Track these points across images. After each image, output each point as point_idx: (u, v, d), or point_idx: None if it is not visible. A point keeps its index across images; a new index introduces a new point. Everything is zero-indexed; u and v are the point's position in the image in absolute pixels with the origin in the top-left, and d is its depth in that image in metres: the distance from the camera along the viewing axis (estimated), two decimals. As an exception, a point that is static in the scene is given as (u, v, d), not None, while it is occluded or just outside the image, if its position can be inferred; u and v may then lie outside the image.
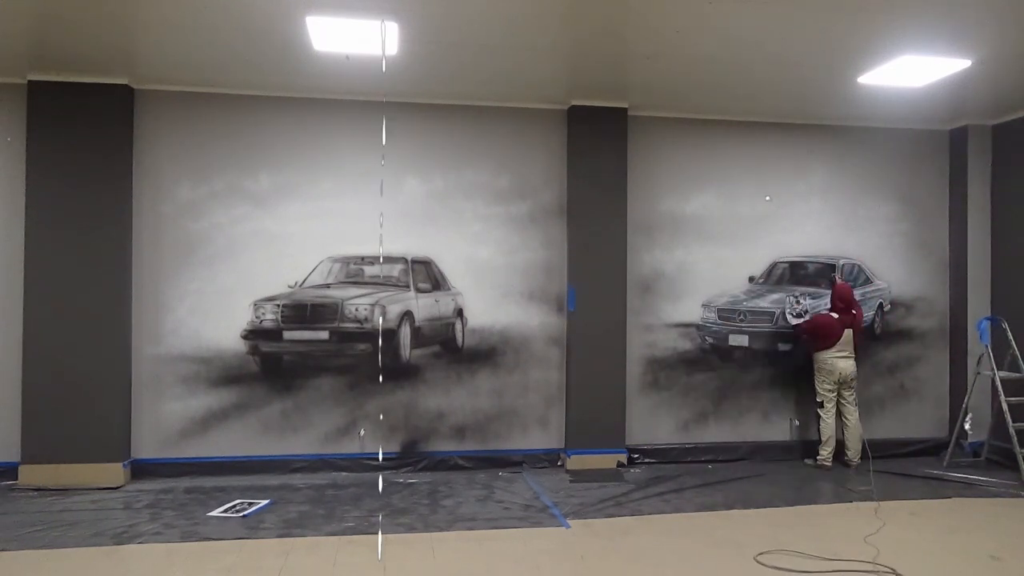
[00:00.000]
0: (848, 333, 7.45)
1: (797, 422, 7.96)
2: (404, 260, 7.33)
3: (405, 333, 7.32)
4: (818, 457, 7.57)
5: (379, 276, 7.31)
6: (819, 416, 7.57)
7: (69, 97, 6.60)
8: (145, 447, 6.92)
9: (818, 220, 8.07)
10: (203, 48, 5.99)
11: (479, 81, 6.82)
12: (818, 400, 7.55)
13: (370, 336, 7.19)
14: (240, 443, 7.05)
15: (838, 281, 7.82)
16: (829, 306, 7.71)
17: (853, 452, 7.52)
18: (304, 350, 7.14)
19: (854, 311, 7.52)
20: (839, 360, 7.45)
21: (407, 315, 7.31)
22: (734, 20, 5.32)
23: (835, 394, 7.52)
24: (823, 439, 7.55)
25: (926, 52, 5.85)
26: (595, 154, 7.43)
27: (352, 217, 7.21)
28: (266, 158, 7.10)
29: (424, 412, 7.33)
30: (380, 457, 7.01)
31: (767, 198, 7.91)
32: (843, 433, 7.58)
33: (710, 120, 7.82)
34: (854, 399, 7.56)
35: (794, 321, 7.87)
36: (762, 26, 5.43)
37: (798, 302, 7.78)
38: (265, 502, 6.13)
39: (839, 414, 7.58)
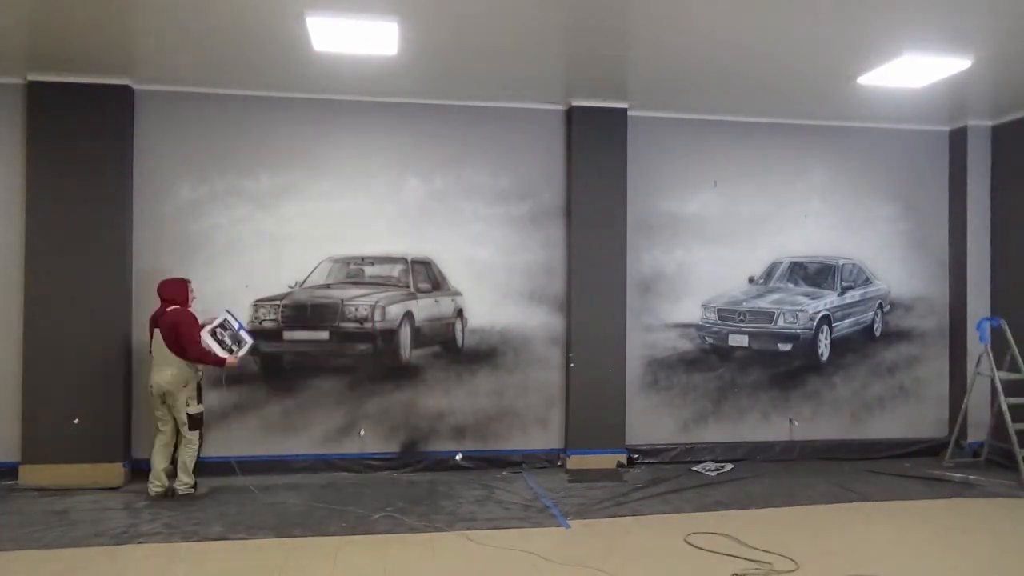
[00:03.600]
0: (157, 335, 6.19)
1: (796, 422, 7.96)
2: (404, 260, 7.33)
3: (405, 333, 7.32)
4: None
5: (379, 276, 7.31)
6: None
7: (69, 97, 6.60)
8: (145, 447, 6.90)
9: (818, 220, 8.07)
10: (203, 48, 5.99)
11: (479, 81, 6.82)
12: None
13: (370, 336, 7.19)
14: (240, 443, 7.04)
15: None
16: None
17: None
18: (304, 350, 7.14)
19: (169, 310, 6.21)
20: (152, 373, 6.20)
21: (407, 315, 7.31)
22: (734, 20, 5.32)
23: (160, 412, 6.23)
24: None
25: (926, 52, 5.84)
26: (595, 154, 7.43)
27: (352, 217, 7.21)
28: (266, 158, 7.10)
29: (424, 412, 7.33)
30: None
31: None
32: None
33: (710, 120, 7.82)
34: (183, 421, 6.22)
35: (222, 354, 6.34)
36: (762, 26, 5.43)
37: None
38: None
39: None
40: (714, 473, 7.25)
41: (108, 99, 6.68)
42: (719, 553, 5.04)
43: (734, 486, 6.83)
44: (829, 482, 6.96)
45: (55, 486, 6.45)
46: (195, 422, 6.26)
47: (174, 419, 6.27)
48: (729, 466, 7.46)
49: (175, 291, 6.32)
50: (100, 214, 6.67)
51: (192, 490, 6.28)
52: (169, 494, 6.25)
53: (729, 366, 7.90)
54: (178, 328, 6.15)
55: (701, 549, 5.11)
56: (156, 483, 6.28)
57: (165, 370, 6.15)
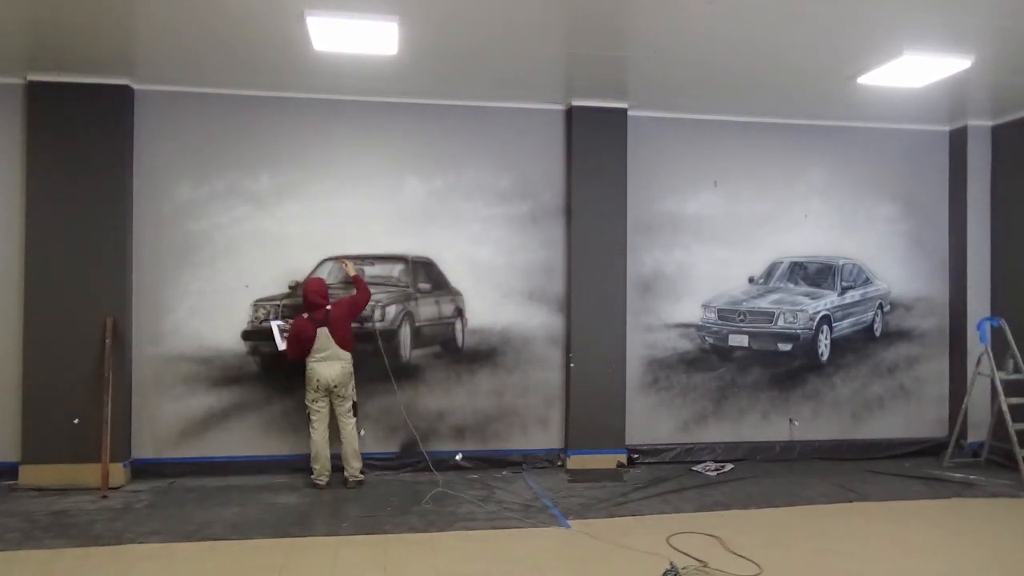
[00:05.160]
0: (324, 332, 6.52)
1: (796, 422, 7.96)
2: (404, 260, 7.33)
3: (405, 333, 7.32)
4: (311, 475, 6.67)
5: (379, 276, 7.31)
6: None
7: (69, 97, 6.60)
8: (145, 447, 6.92)
9: (818, 220, 8.07)
10: (203, 48, 5.98)
11: (479, 81, 6.82)
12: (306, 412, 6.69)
13: (370, 336, 7.19)
14: (240, 443, 7.05)
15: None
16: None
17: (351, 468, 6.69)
18: (304, 350, 7.13)
19: (329, 306, 6.57)
20: (317, 365, 6.54)
21: (407, 315, 7.31)
22: (734, 20, 5.32)
23: (322, 404, 6.62)
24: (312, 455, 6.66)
25: (926, 52, 5.84)
26: (595, 154, 7.43)
27: (352, 217, 7.21)
28: (266, 158, 7.10)
29: (424, 412, 7.33)
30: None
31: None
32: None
33: (710, 120, 7.82)
34: (347, 409, 6.66)
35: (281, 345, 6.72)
36: (762, 26, 5.42)
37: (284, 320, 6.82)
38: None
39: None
40: (714, 473, 7.25)
41: (108, 99, 6.68)
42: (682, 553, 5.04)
43: (734, 486, 6.83)
44: (829, 482, 6.96)
45: (55, 486, 6.45)
46: (355, 408, 6.77)
47: (332, 410, 6.66)
48: (729, 466, 7.46)
49: (324, 291, 6.67)
50: (100, 214, 6.67)
51: (361, 475, 6.71)
52: (350, 483, 6.64)
53: (729, 366, 7.90)
54: (345, 323, 6.63)
55: (676, 550, 5.11)
56: (325, 473, 6.64)
57: (335, 364, 6.57)
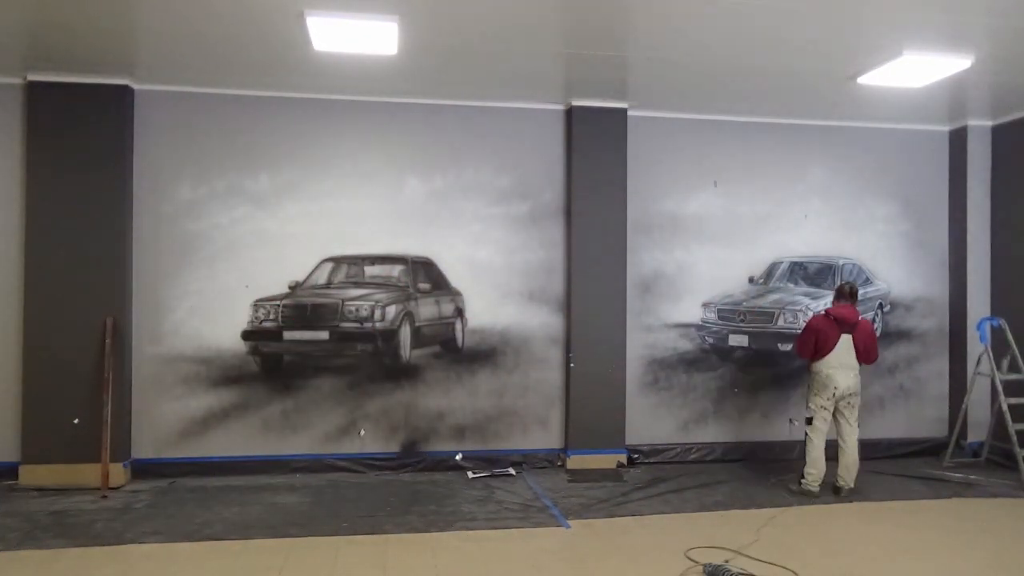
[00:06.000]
0: (848, 340, 6.48)
1: (796, 422, 7.96)
2: (404, 260, 7.33)
3: (405, 333, 7.32)
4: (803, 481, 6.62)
5: (379, 276, 7.31)
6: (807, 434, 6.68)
7: (69, 97, 6.60)
8: (145, 447, 6.91)
9: (818, 220, 8.07)
10: (203, 48, 5.98)
11: (479, 81, 6.82)
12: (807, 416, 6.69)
13: (370, 336, 7.19)
14: (240, 443, 7.05)
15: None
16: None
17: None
18: (304, 350, 7.14)
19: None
20: (836, 372, 6.49)
21: (407, 315, 7.31)
22: (734, 20, 5.31)
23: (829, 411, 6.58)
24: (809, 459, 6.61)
25: (926, 52, 5.84)
26: (595, 154, 7.43)
27: (352, 217, 7.21)
28: (266, 158, 7.10)
29: (424, 412, 7.33)
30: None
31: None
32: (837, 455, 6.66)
33: (710, 120, 7.82)
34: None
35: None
36: (762, 26, 5.42)
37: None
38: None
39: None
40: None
41: (108, 99, 6.68)
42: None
43: (734, 486, 6.83)
44: (829, 482, 6.95)
45: (55, 486, 6.45)
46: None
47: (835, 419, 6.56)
48: None
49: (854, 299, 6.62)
50: (100, 214, 6.67)
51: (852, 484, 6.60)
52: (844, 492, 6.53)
53: (729, 366, 7.90)
54: (873, 338, 6.60)
55: (695, 562, 5.11)
56: (818, 477, 6.51)
57: (850, 373, 6.47)
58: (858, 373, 6.54)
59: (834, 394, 6.47)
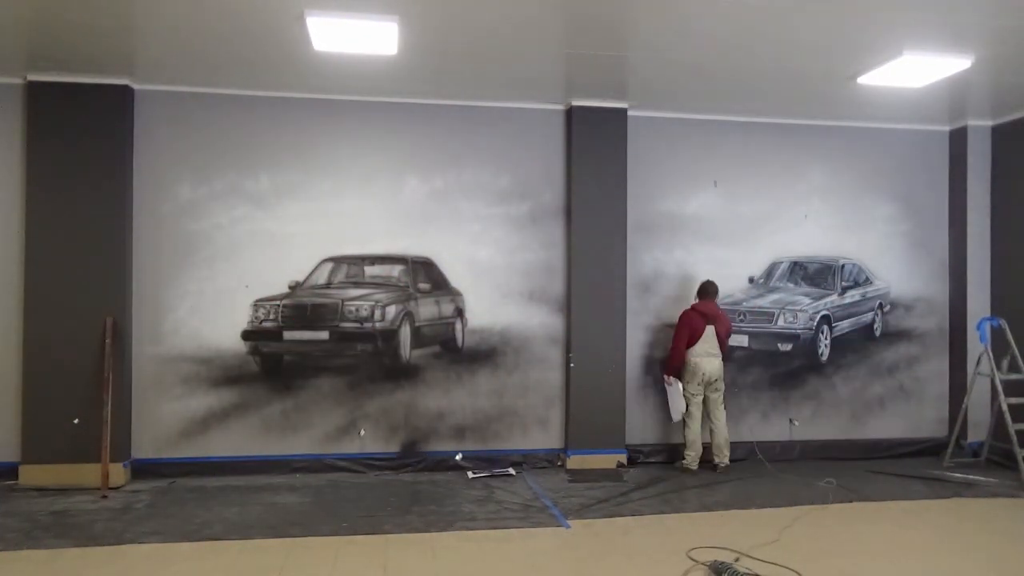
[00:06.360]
0: (712, 329, 7.25)
1: (796, 422, 7.96)
2: (404, 260, 7.33)
3: (405, 333, 7.32)
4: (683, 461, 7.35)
5: (379, 276, 7.31)
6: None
7: (69, 97, 6.60)
8: (145, 447, 6.92)
9: (818, 220, 8.07)
10: (203, 48, 5.99)
11: (479, 81, 6.82)
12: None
13: (370, 336, 7.19)
14: (240, 443, 7.05)
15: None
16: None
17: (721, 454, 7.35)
18: (304, 350, 7.14)
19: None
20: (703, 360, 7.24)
21: (407, 315, 7.31)
22: (734, 20, 5.32)
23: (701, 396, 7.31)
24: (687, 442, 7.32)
25: (926, 52, 5.84)
26: (595, 154, 7.43)
27: (352, 217, 7.21)
28: (266, 158, 7.10)
29: (424, 412, 7.33)
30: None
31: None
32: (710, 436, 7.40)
33: (710, 120, 7.82)
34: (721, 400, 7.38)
35: None
36: (762, 26, 5.43)
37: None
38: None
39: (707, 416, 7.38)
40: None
41: (108, 99, 6.68)
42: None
43: (734, 486, 6.83)
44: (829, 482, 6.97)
45: (55, 486, 6.45)
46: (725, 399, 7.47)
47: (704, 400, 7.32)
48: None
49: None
50: (100, 214, 6.67)
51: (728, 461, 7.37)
52: (720, 468, 7.28)
53: (729, 366, 7.89)
54: (728, 325, 7.45)
55: (697, 562, 5.11)
56: (696, 457, 7.31)
57: (714, 360, 7.28)
58: (721, 361, 7.32)
59: (703, 379, 7.23)
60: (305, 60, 6.10)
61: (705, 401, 7.34)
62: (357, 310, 7.21)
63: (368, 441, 7.22)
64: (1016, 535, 5.59)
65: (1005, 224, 7.94)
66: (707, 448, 7.43)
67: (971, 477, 7.16)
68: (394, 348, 7.28)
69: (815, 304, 8.02)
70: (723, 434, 7.35)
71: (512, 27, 5.51)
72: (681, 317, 7.33)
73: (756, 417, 7.92)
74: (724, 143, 7.88)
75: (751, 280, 7.97)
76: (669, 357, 7.40)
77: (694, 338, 7.23)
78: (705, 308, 7.32)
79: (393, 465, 7.21)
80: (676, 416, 7.40)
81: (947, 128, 8.27)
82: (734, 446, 7.77)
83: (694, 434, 7.31)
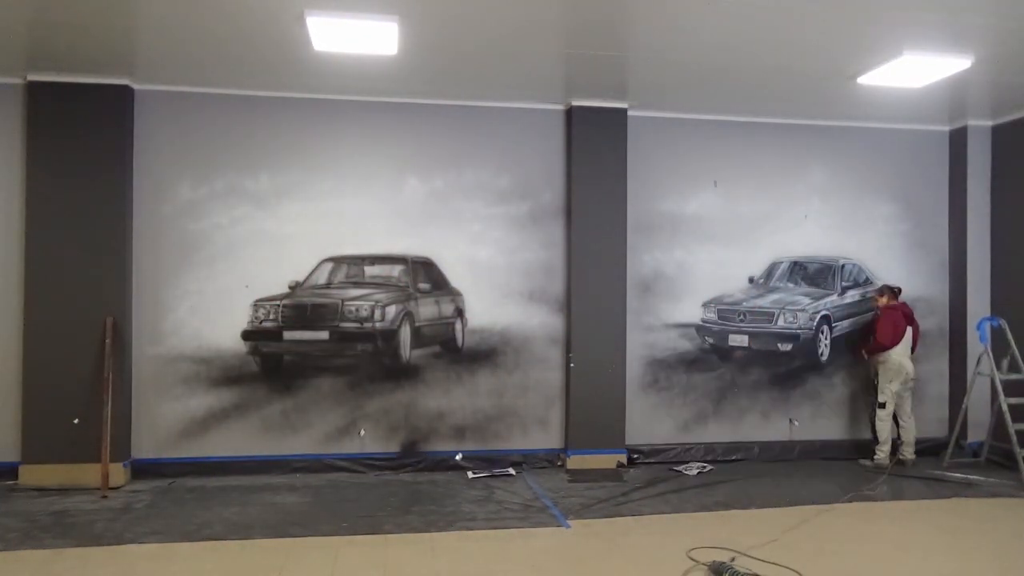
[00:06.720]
0: (910, 331, 7.58)
1: (796, 422, 7.96)
2: (404, 260, 7.33)
3: (405, 333, 7.32)
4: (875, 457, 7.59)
5: (379, 276, 7.31)
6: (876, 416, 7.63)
7: (69, 97, 6.60)
8: (145, 447, 6.92)
9: (818, 220, 8.07)
10: (203, 48, 5.99)
11: (479, 81, 6.82)
12: (880, 400, 7.58)
13: (370, 336, 7.19)
14: (240, 443, 7.05)
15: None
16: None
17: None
18: (304, 350, 7.14)
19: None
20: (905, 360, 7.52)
21: (407, 315, 7.31)
22: (734, 20, 5.32)
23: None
24: (881, 439, 7.58)
25: (926, 52, 5.84)
26: (595, 154, 7.43)
27: (352, 217, 7.21)
28: (266, 158, 7.10)
29: (424, 412, 7.33)
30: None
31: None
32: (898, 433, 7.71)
33: (710, 120, 7.82)
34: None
35: None
36: (762, 26, 5.43)
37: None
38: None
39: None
40: (695, 473, 7.24)
41: (108, 99, 6.68)
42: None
43: (734, 486, 6.83)
44: (829, 482, 6.96)
45: (55, 486, 6.45)
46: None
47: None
48: (709, 467, 7.44)
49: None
50: (100, 214, 6.67)
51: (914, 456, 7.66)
52: (909, 463, 7.54)
53: (729, 366, 7.90)
54: (918, 327, 7.73)
55: (697, 562, 5.11)
56: (888, 454, 7.54)
57: (910, 361, 7.56)
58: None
59: (905, 378, 7.51)
60: (305, 60, 6.10)
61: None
62: (357, 310, 7.21)
63: (368, 441, 7.22)
64: (1016, 535, 5.59)
65: (1005, 224, 7.94)
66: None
67: (971, 477, 7.16)
68: (394, 348, 7.28)
69: (815, 304, 8.02)
70: (913, 431, 7.62)
71: (512, 27, 5.51)
72: (886, 314, 7.50)
73: (756, 417, 7.92)
74: (724, 143, 7.88)
75: (751, 280, 7.97)
76: (873, 347, 7.56)
77: (897, 337, 7.43)
78: (904, 309, 7.59)
79: (393, 465, 7.21)
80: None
81: (947, 128, 8.27)
82: (735, 446, 7.79)
83: (888, 430, 7.51)
